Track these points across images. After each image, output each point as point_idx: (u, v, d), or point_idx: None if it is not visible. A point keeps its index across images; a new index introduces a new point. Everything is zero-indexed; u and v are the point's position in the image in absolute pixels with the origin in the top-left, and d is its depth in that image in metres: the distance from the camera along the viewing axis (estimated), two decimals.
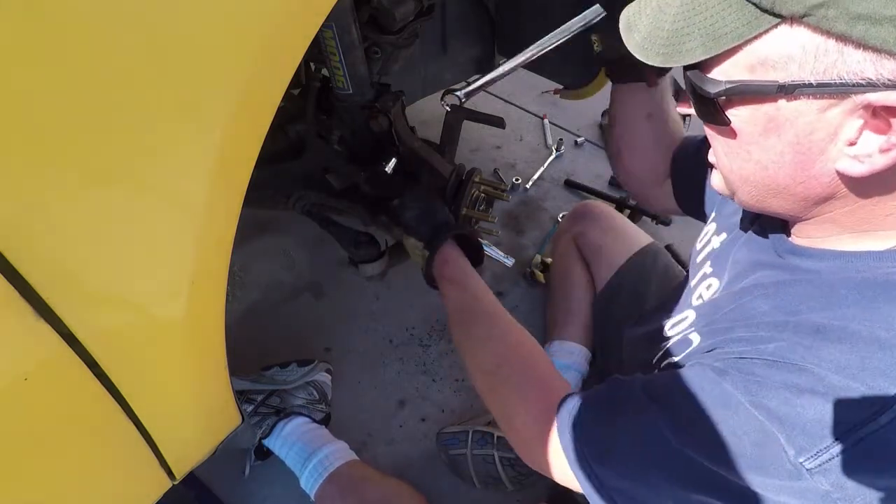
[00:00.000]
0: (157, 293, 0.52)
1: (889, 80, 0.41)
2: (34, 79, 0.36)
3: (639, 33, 0.53)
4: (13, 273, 0.40)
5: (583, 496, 0.65)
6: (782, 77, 0.46)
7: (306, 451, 1.06)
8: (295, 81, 1.08)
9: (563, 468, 0.65)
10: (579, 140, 1.82)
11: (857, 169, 0.46)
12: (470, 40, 1.28)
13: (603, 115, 1.87)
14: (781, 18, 0.44)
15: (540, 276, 1.45)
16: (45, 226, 0.41)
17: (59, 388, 0.48)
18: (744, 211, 0.72)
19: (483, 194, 1.09)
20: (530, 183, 1.70)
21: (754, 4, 0.45)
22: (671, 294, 0.88)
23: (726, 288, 0.69)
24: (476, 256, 0.95)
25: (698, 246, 0.84)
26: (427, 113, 1.58)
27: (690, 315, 0.71)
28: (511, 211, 1.64)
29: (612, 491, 0.60)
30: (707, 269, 0.78)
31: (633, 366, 0.78)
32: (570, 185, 1.71)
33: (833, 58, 0.43)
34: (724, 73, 0.49)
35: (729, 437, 0.52)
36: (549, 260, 1.44)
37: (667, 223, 1.58)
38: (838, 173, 0.48)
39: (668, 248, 1.23)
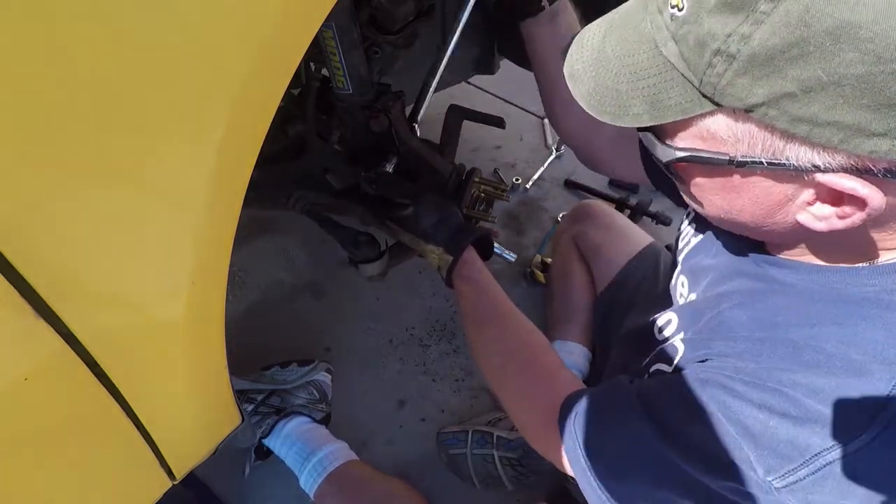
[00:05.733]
0: (157, 293, 0.52)
1: (840, 165, 0.41)
2: (33, 78, 0.36)
3: (584, 86, 0.52)
4: (13, 273, 0.40)
5: (582, 496, 0.66)
6: (733, 151, 0.45)
7: (306, 450, 1.06)
8: (295, 81, 1.08)
9: (567, 462, 0.68)
10: None
11: (818, 226, 0.47)
12: (470, 40, 1.27)
13: None
14: (719, 107, 0.43)
15: (540, 276, 1.45)
16: (45, 226, 0.41)
17: (59, 389, 0.48)
18: None
19: (483, 194, 1.09)
20: (530, 183, 1.70)
21: (696, 88, 0.44)
22: (659, 293, 0.89)
23: (706, 291, 0.69)
24: (486, 253, 0.98)
25: (680, 244, 0.83)
26: (427, 113, 1.58)
27: (673, 318, 0.72)
28: (511, 211, 1.64)
29: (604, 490, 0.62)
30: (681, 267, 0.80)
31: (623, 365, 0.80)
32: (570, 185, 1.70)
33: (780, 145, 0.43)
34: (678, 140, 0.49)
35: (706, 445, 0.53)
36: (549, 260, 1.44)
37: (667, 223, 1.58)
38: (799, 223, 0.48)
39: (668, 248, 1.23)
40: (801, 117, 0.40)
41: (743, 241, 0.64)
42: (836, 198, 0.44)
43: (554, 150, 1.79)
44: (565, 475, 0.71)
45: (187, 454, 0.68)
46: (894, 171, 0.41)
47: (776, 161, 0.44)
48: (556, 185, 1.72)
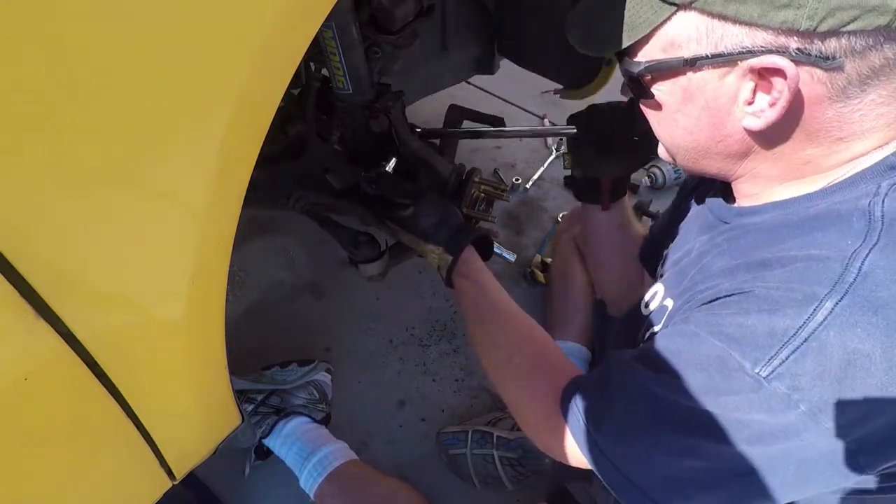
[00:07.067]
0: (157, 293, 0.52)
1: (762, 46, 0.51)
2: (34, 79, 0.36)
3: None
4: (13, 273, 0.40)
5: (582, 496, 0.66)
6: (686, 53, 0.56)
7: (306, 450, 1.06)
8: (295, 81, 1.08)
9: (572, 449, 0.68)
10: None
11: (757, 123, 0.56)
12: (470, 40, 1.28)
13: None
14: (676, 6, 0.55)
15: (540, 276, 1.45)
16: (45, 226, 0.41)
17: (59, 388, 0.48)
18: (692, 207, 0.82)
19: (483, 194, 1.09)
20: (530, 183, 1.70)
21: None
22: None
23: (694, 254, 0.74)
24: (486, 252, 0.98)
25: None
26: (427, 113, 1.58)
27: (660, 289, 0.77)
28: (511, 211, 1.64)
29: (614, 458, 0.62)
30: (666, 265, 0.84)
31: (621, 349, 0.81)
32: None
33: (719, 33, 0.53)
34: (645, 56, 0.61)
35: (698, 371, 0.56)
36: (549, 260, 1.44)
37: None
38: (746, 130, 0.58)
39: None
40: None
41: (713, 208, 0.72)
42: (767, 86, 0.53)
43: (554, 150, 1.79)
44: (565, 475, 0.71)
45: (187, 454, 0.68)
46: (802, 51, 0.50)
47: (717, 52, 0.54)
48: (556, 185, 1.72)
